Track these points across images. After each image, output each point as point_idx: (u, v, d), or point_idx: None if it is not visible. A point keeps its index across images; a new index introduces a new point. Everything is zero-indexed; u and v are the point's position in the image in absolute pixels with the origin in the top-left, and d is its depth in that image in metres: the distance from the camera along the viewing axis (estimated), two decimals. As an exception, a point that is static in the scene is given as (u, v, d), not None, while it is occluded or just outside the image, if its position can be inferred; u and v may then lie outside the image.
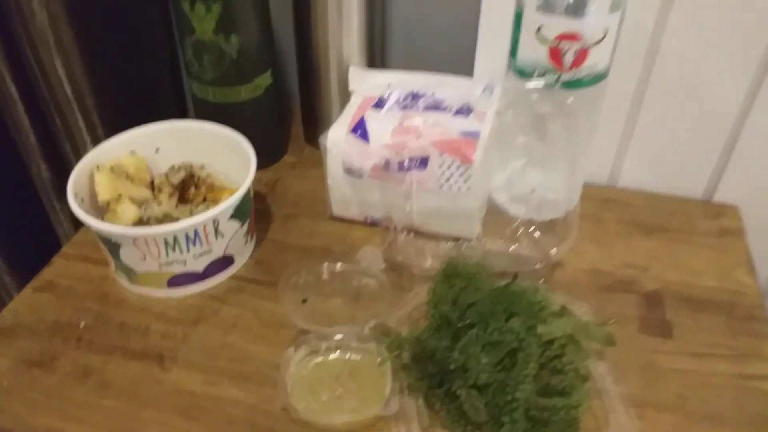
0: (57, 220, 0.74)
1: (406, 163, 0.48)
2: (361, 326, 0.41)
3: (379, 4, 0.57)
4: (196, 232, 0.43)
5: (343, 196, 0.52)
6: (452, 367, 0.38)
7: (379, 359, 0.40)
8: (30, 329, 0.45)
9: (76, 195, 0.45)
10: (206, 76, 0.55)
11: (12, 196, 0.75)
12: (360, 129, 0.50)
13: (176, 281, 0.46)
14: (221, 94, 0.55)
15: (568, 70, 0.45)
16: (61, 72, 0.59)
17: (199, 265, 0.45)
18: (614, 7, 0.44)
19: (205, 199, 0.50)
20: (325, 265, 0.44)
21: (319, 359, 0.41)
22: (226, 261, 0.47)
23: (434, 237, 0.51)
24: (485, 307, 0.40)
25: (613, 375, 0.40)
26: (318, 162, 0.51)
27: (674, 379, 0.42)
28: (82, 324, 0.45)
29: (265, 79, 0.57)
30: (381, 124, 0.50)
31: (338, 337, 0.41)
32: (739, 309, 0.47)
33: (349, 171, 0.50)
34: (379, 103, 0.52)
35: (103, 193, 0.46)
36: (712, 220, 0.55)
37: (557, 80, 0.45)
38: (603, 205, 0.56)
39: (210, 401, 0.40)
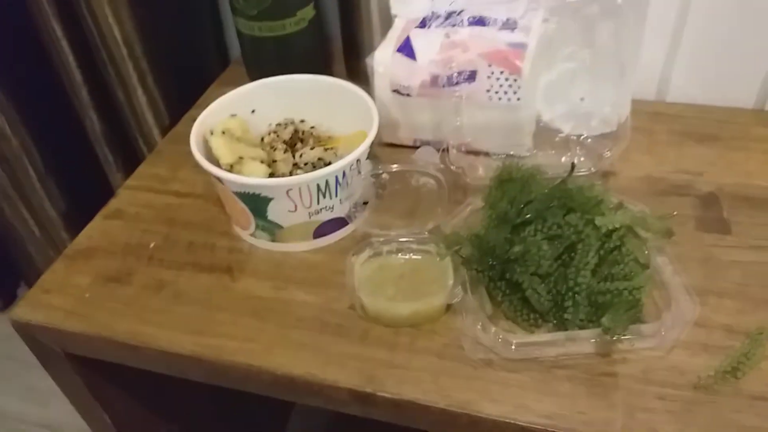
0: (110, 171, 0.77)
1: (454, 77, 0.49)
2: (420, 228, 0.42)
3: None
4: (344, 174, 0.43)
5: (392, 119, 0.53)
6: (512, 257, 0.39)
7: (439, 257, 0.41)
8: (104, 250, 0.48)
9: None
10: (250, 10, 0.56)
11: (67, 149, 0.79)
12: (406, 48, 0.51)
13: (323, 230, 0.46)
14: (267, 28, 0.57)
15: (616, -31, 0.44)
16: (112, 20, 0.61)
17: (343, 210, 0.45)
18: None
19: (315, 148, 0.49)
20: (381, 166, 0.45)
21: (382, 260, 0.42)
22: (364, 203, 0.46)
23: (485, 153, 0.51)
24: (542, 204, 0.41)
25: (675, 266, 0.41)
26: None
27: (734, 270, 0.42)
28: (152, 244, 0.48)
29: (308, 12, 0.58)
30: (427, 41, 0.50)
31: (400, 239, 0.42)
32: (797, 205, 0.47)
33: (398, 90, 0.51)
34: (423, 23, 0.52)
35: (226, 157, 0.45)
36: (766, 127, 0.54)
37: (605, -21, 0.45)
38: (653, 118, 0.56)
39: (279, 304, 0.42)
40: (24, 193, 0.83)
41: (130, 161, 0.73)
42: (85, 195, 0.79)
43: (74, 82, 0.69)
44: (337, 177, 0.43)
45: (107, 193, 0.79)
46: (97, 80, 0.67)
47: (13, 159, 0.78)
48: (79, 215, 0.80)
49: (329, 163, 0.44)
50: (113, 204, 0.52)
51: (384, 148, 0.54)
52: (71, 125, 0.74)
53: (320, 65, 0.64)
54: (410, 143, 0.55)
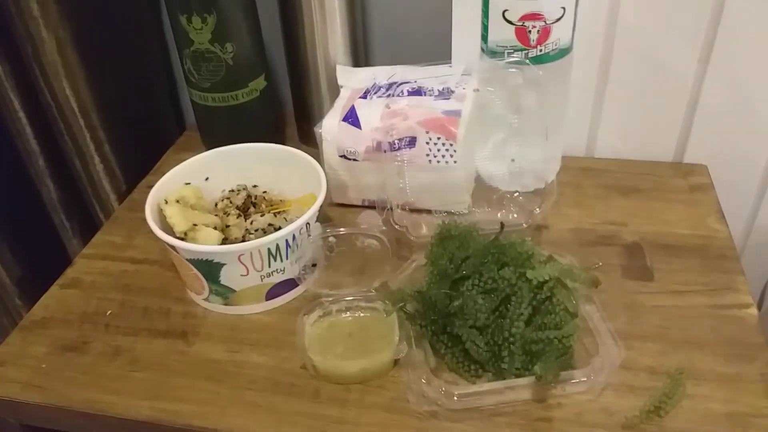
0: (66, 237, 0.77)
1: (396, 143, 0.52)
2: (367, 287, 0.45)
3: (359, 5, 0.62)
4: (294, 237, 0.46)
5: (340, 181, 0.56)
6: (452, 311, 0.42)
7: (385, 313, 0.44)
8: (61, 320, 0.49)
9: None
10: (205, 83, 0.59)
11: (22, 216, 0.79)
12: (351, 117, 0.54)
13: (274, 291, 0.48)
14: (219, 99, 0.60)
15: (534, 47, 0.49)
16: (69, 92, 0.63)
17: (294, 272, 0.47)
18: (571, -14, 0.49)
19: (266, 214, 0.52)
20: (330, 230, 0.47)
21: (332, 319, 0.45)
22: (313, 265, 0.48)
23: (427, 211, 0.55)
24: (479, 259, 0.44)
25: (601, 313, 0.44)
26: (312, 156, 0.55)
27: (656, 314, 0.46)
28: (108, 312, 0.49)
29: (259, 83, 0.61)
30: (370, 110, 0.54)
31: (348, 298, 0.45)
32: (711, 250, 0.51)
33: (345, 155, 0.54)
34: (366, 94, 0.56)
35: (180, 225, 0.47)
36: (683, 179, 0.60)
37: (526, 56, 0.50)
38: (582, 173, 0.61)
39: (233, 366, 0.44)
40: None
41: (87, 227, 0.74)
42: (40, 261, 0.79)
43: (31, 152, 0.70)
44: (287, 240, 0.46)
45: (62, 258, 0.80)
46: (54, 149, 0.69)
47: (-33, 228, 0.78)
48: (33, 281, 0.80)
49: (280, 228, 0.47)
50: (69, 273, 0.53)
51: (334, 208, 0.57)
52: (27, 193, 0.75)
53: (272, 131, 0.67)
54: (358, 203, 0.58)
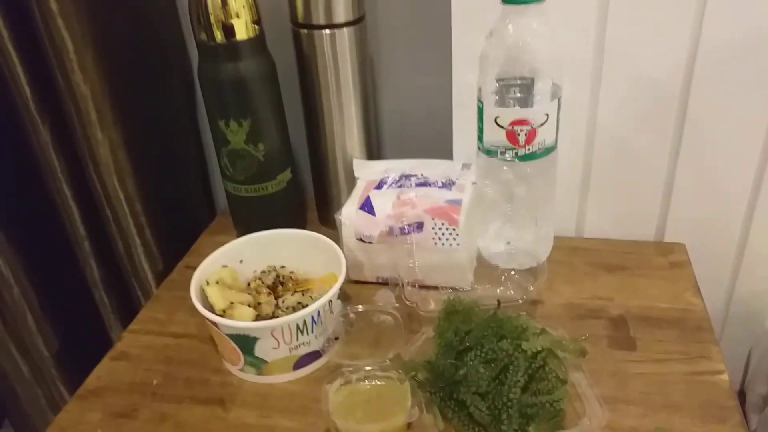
0: (106, 312, 0.85)
1: (406, 228, 0.60)
2: (382, 358, 0.51)
3: (372, 110, 0.71)
4: (318, 314, 0.53)
5: (357, 261, 0.63)
6: (458, 379, 0.48)
7: (399, 382, 0.50)
8: (112, 389, 0.55)
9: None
10: (239, 176, 0.68)
11: (65, 293, 0.87)
12: (367, 205, 0.62)
13: (301, 362, 0.54)
14: (251, 190, 0.68)
15: (522, 147, 0.58)
16: (118, 186, 0.72)
17: (318, 344, 0.54)
18: (553, 96, 0.58)
19: (295, 291, 0.59)
20: (349, 307, 0.54)
21: (352, 387, 0.51)
22: (335, 338, 0.54)
23: (435, 287, 0.62)
24: (480, 332, 0.51)
25: (589, 380, 0.50)
26: (331, 238, 0.63)
27: (639, 381, 0.52)
28: (155, 382, 0.55)
29: (286, 175, 0.70)
30: (383, 200, 0.62)
31: (366, 368, 0.51)
32: (689, 322, 0.58)
33: (361, 239, 0.62)
34: (380, 185, 0.65)
35: (219, 304, 0.54)
36: (664, 257, 0.67)
37: (516, 155, 0.58)
38: (572, 252, 0.68)
39: (265, 430, 0.50)
40: (18, 334, 0.89)
41: (125, 304, 0.81)
42: (77, 335, 0.86)
43: (79, 235, 0.79)
44: (312, 317, 0.53)
45: (100, 333, 0.87)
46: (100, 233, 0.77)
47: (13, 305, 0.85)
48: (70, 354, 0.87)
49: (306, 306, 0.54)
50: (119, 346, 0.60)
51: (352, 285, 0.64)
52: (72, 271, 0.83)
53: (296, 215, 0.75)
54: (373, 280, 0.65)
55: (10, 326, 0.87)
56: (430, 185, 0.63)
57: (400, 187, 0.63)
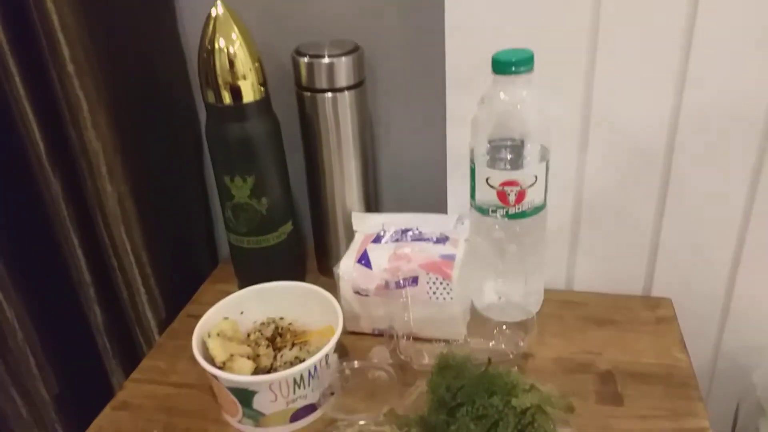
0: (107, 357, 0.86)
1: (401, 282, 0.62)
2: (376, 413, 0.53)
3: (371, 165, 0.75)
4: (315, 368, 0.54)
5: (354, 313, 0.66)
6: (449, 435, 0.49)
7: (393, 436, 0.51)
8: (114, 439, 0.56)
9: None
10: (241, 229, 0.70)
11: (68, 337, 0.88)
12: (364, 259, 0.65)
13: (298, 415, 0.55)
14: (254, 242, 0.71)
15: (512, 207, 0.61)
16: (125, 236, 0.74)
17: (314, 398, 0.55)
18: (541, 158, 0.61)
19: (293, 344, 0.60)
20: (345, 363, 0.56)
21: (347, 441, 0.52)
22: (331, 393, 0.56)
23: (429, 340, 0.64)
24: (471, 389, 0.53)
25: (577, 436, 0.52)
26: (330, 288, 0.65)
27: (626, 437, 0.54)
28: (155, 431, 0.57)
29: (287, 227, 0.73)
30: (380, 254, 0.65)
31: (361, 422, 0.53)
32: (675, 379, 0.59)
33: (358, 292, 0.64)
34: (377, 239, 0.67)
35: (219, 356, 0.56)
36: (651, 311, 0.69)
37: (506, 213, 0.61)
38: (562, 305, 0.70)
39: (263, 482, 0.51)
40: (19, 376, 0.90)
41: (127, 350, 0.83)
42: (78, 379, 0.87)
43: (83, 282, 0.81)
44: (309, 371, 0.55)
45: (101, 377, 0.88)
46: (105, 280, 0.79)
47: (16, 348, 0.86)
48: (71, 397, 0.88)
49: (304, 360, 0.56)
50: (120, 396, 0.62)
51: (348, 336, 0.66)
52: (75, 317, 0.85)
53: (295, 265, 0.78)
54: (369, 332, 0.67)
55: (12, 368, 0.89)
56: (425, 240, 0.65)
57: (396, 241, 0.66)
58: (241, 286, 0.67)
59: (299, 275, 0.78)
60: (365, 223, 0.71)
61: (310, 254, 0.81)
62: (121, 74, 0.70)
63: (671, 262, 0.70)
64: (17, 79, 0.66)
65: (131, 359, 0.83)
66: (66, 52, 0.64)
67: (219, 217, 0.86)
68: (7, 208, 0.74)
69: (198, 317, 0.60)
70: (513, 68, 0.56)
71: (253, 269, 0.72)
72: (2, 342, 0.83)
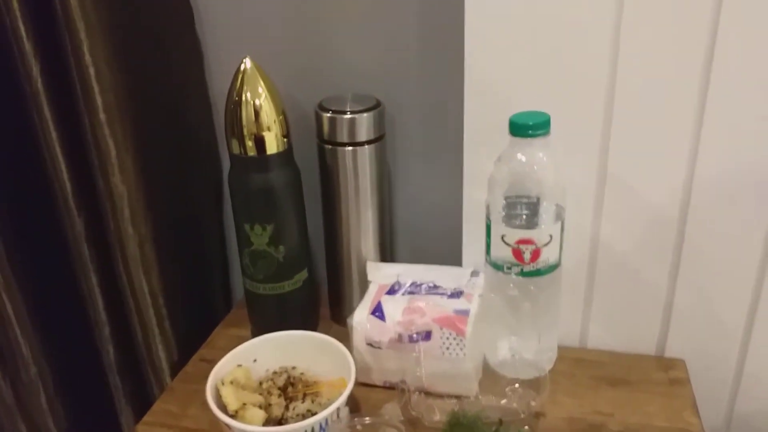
0: (118, 396, 0.86)
1: (414, 336, 0.63)
2: (387, 469, 0.53)
3: (387, 217, 0.76)
4: (327, 422, 0.54)
5: (366, 364, 0.66)
6: (460, 496, 0.49)
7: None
8: (123, 485, 0.56)
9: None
10: (258, 275, 0.72)
11: (80, 375, 0.89)
12: (378, 311, 0.65)
13: None
14: (269, 288, 0.72)
15: (527, 264, 0.61)
16: (143, 280, 0.75)
17: None
18: (557, 218, 0.62)
19: (305, 395, 0.61)
20: (356, 419, 0.56)
21: (357, 498, 0.52)
22: None
23: (441, 395, 0.64)
24: (482, 449, 0.53)
25: (589, 501, 0.51)
26: (342, 336, 0.65)
27: (638, 504, 0.53)
28: (165, 479, 0.57)
29: (302, 275, 0.74)
30: (394, 307, 0.65)
31: (370, 478, 0.53)
32: (687, 444, 0.59)
33: (371, 344, 0.65)
34: (392, 290, 0.68)
35: (232, 404, 0.56)
36: (664, 372, 0.68)
37: (521, 271, 0.62)
38: (575, 363, 0.70)
39: None
40: (29, 412, 0.90)
41: (137, 390, 0.83)
42: (87, 416, 0.88)
43: (99, 321, 0.82)
44: (321, 424, 0.55)
45: (111, 415, 0.88)
46: (121, 321, 0.80)
47: (29, 383, 0.87)
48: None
49: (315, 413, 0.56)
50: (132, 440, 0.62)
51: (360, 387, 0.66)
52: (88, 354, 0.85)
53: (310, 312, 0.78)
54: (381, 384, 0.67)
55: (23, 403, 0.89)
56: (439, 293, 0.66)
57: (411, 293, 0.67)
58: (255, 331, 0.67)
59: (313, 322, 0.79)
60: (380, 273, 0.71)
61: (323, 301, 0.81)
62: (149, 122, 0.73)
63: (684, 325, 0.70)
64: (50, 123, 0.69)
65: (141, 399, 0.83)
66: (99, 100, 0.67)
67: (235, 262, 0.87)
68: (30, 244, 0.76)
69: (211, 361, 0.61)
70: (530, 131, 0.58)
71: (268, 315, 0.73)
72: (15, 376, 0.84)
